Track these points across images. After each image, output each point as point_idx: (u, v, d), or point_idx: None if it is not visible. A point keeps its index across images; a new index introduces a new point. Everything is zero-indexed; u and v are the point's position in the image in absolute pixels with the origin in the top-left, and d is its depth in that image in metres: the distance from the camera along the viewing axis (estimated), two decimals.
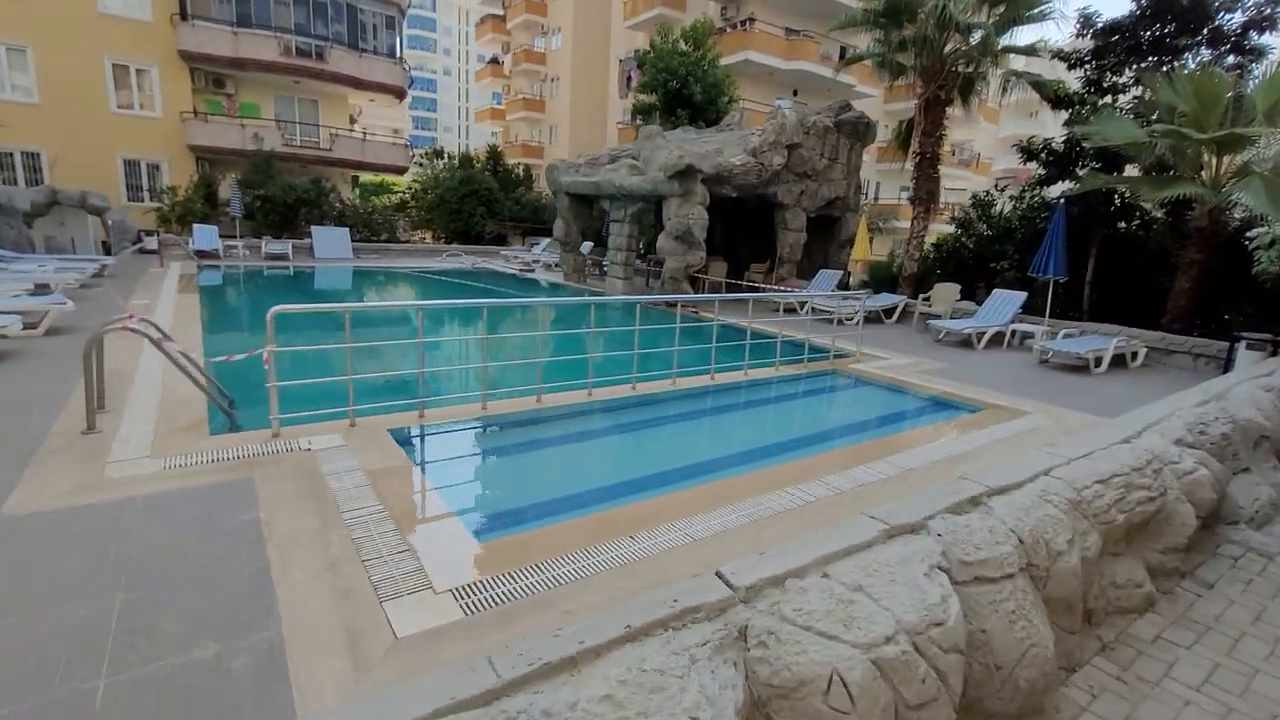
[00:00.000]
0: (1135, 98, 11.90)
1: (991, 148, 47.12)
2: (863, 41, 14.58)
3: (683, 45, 21.33)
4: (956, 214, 15.39)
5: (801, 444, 5.71)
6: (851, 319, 12.12)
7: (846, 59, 15.04)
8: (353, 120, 36.30)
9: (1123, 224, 12.77)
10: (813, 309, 12.39)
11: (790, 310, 13.35)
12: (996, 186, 15.16)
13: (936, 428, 6.06)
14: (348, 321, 4.83)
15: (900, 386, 7.44)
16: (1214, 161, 9.63)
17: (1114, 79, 12.11)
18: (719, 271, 15.30)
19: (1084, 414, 6.62)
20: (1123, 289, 12.30)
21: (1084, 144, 11.44)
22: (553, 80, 44.68)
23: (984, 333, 10.37)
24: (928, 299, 12.26)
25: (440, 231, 29.67)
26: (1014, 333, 10.71)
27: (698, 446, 5.99)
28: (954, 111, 13.76)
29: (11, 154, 21.61)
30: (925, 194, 14.02)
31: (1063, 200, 10.61)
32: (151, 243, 17.89)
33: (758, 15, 28.33)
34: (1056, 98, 12.40)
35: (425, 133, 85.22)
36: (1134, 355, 9.55)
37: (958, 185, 36.80)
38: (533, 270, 19.49)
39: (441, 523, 3.78)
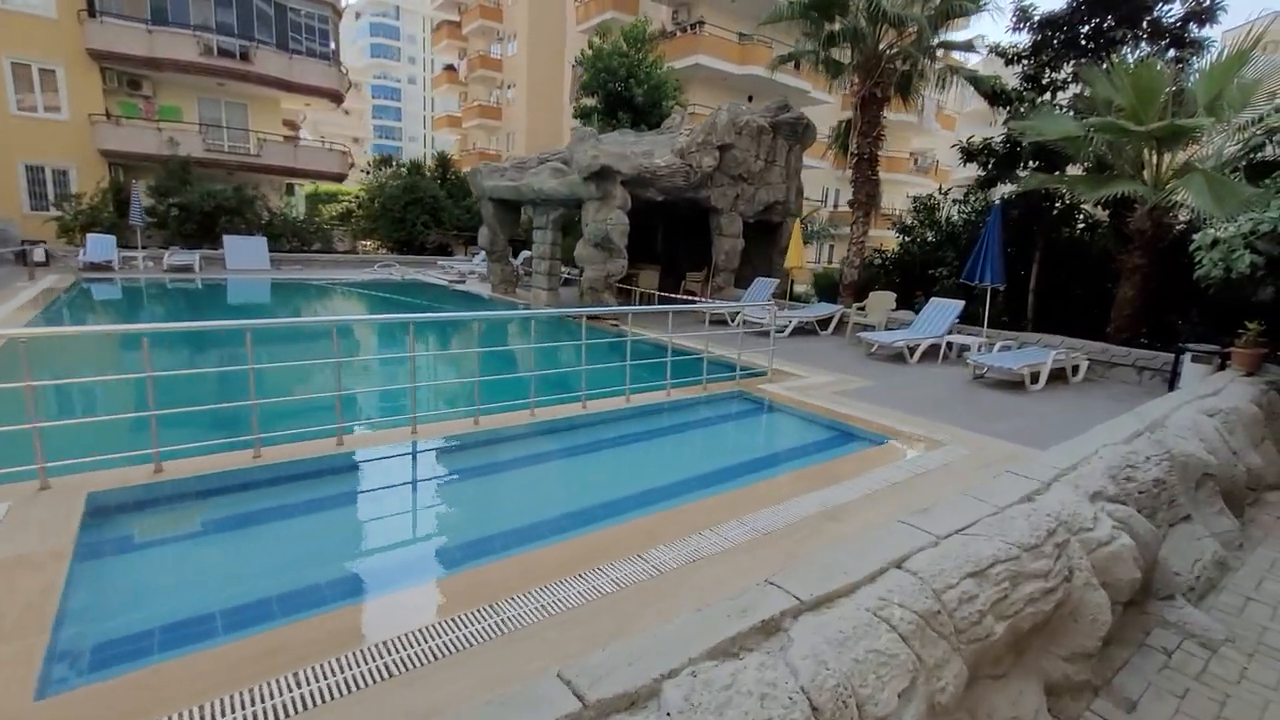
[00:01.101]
0: (1075, 95, 11.25)
1: (952, 155, 47.38)
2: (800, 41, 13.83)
3: (623, 46, 20.48)
4: (899, 220, 14.61)
5: (657, 495, 4.65)
6: (783, 331, 11.22)
7: (782, 57, 14.25)
8: (296, 126, 34.92)
9: (1066, 228, 12.10)
10: (744, 321, 11.49)
11: (721, 322, 12.42)
12: (940, 190, 14.46)
13: (827, 469, 5.06)
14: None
15: (807, 412, 6.47)
16: (1155, 159, 8.92)
17: (1053, 75, 11.46)
18: (650, 281, 14.33)
19: (1009, 443, 5.71)
20: (1068, 297, 11.59)
21: (1022, 143, 10.73)
22: (509, 87, 43.74)
23: (917, 345, 9.51)
24: (863, 309, 11.40)
25: (385, 241, 28.38)
26: (950, 345, 9.87)
27: (545, 494, 4.92)
28: (911, 119, 13.07)
29: None
30: (864, 197, 13.25)
31: (998, 203, 9.83)
32: (38, 253, 16.32)
33: (708, 19, 27.68)
34: (993, 94, 11.71)
35: (390, 141, 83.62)
36: (1075, 369, 8.76)
37: (918, 192, 36.61)
38: (464, 281, 18.33)
39: None
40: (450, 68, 50.32)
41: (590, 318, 11.92)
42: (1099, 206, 10.98)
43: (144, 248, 18.76)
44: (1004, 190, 12.14)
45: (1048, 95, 11.56)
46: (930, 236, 14.03)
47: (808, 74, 15.56)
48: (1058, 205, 11.47)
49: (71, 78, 21.78)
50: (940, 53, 12.40)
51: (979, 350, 9.17)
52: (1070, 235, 12.10)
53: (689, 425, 6.44)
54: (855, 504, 4.18)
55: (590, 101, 20.69)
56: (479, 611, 2.86)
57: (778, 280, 13.08)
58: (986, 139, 12.20)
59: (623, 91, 20.10)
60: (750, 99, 31.52)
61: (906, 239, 14.13)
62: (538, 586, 3.06)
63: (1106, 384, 8.68)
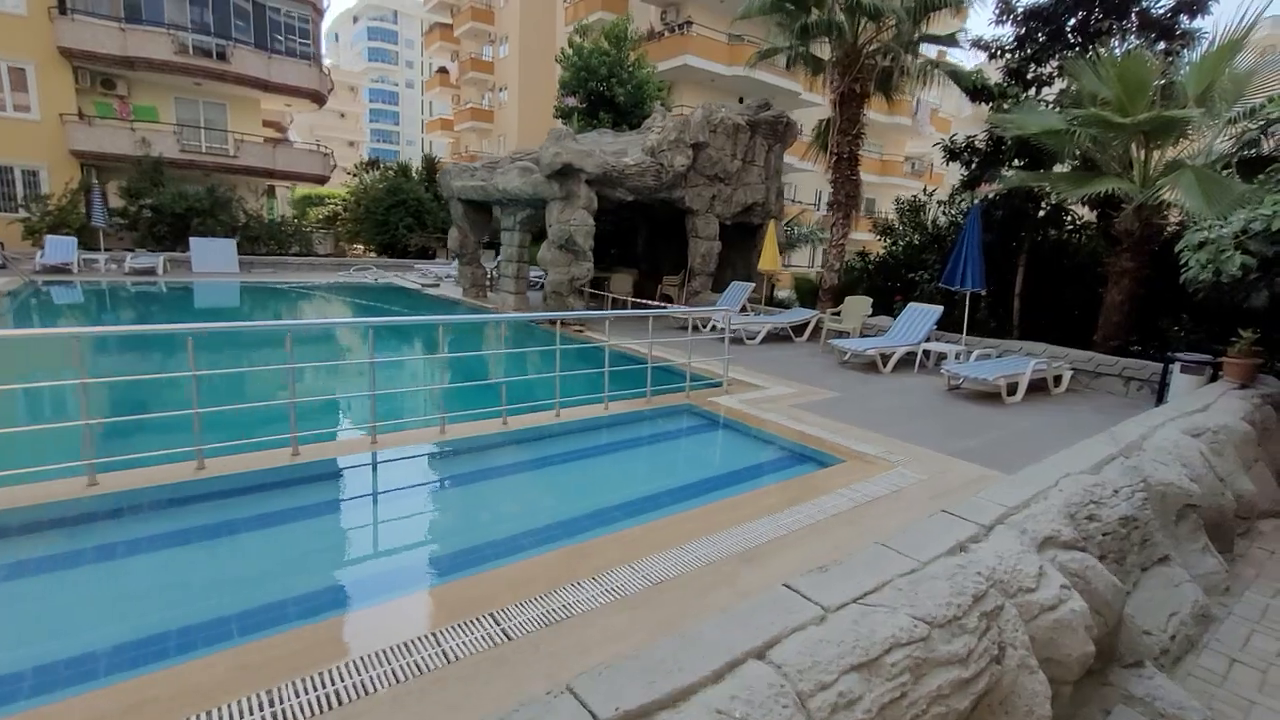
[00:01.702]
0: (1061, 91, 10.71)
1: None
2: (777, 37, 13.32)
3: (605, 44, 19.99)
4: (881, 222, 14.07)
5: (543, 535, 4.03)
6: (755, 338, 10.67)
7: (761, 52, 13.74)
8: (283, 128, 34.52)
9: (1053, 230, 11.55)
10: (714, 327, 10.94)
11: (693, 328, 11.86)
12: (925, 191, 13.93)
13: (763, 496, 4.47)
14: None
15: (756, 429, 5.90)
16: (1143, 155, 8.37)
17: (1038, 70, 10.93)
18: (623, 285, 13.78)
19: (974, 464, 5.13)
20: (1055, 302, 11.03)
21: (1005, 140, 10.19)
22: (501, 89, 43.42)
23: (892, 354, 8.94)
24: (837, 314, 10.84)
25: (369, 244, 27.95)
26: (928, 354, 9.30)
27: (463, 519, 4.35)
28: (905, 122, 12.53)
29: None
30: (844, 197, 12.71)
31: (977, 203, 9.29)
32: None
33: (696, 19, 27.22)
34: (975, 90, 11.18)
35: (389, 145, 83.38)
36: (1058, 379, 8.18)
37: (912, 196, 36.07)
38: (439, 285, 17.79)
39: None
40: (443, 70, 49.98)
41: (553, 322, 11.41)
42: (1086, 206, 10.43)
43: (109, 250, 18.28)
44: (990, 190, 11.59)
45: (1032, 91, 11.01)
46: (915, 239, 13.48)
47: (800, 75, 15.04)
48: (1043, 206, 10.92)
49: (42, 76, 21.30)
50: (922, 48, 11.87)
51: (955, 359, 8.61)
52: (1057, 237, 11.55)
53: (620, 445, 5.86)
54: (781, 542, 3.61)
55: (571, 101, 20.19)
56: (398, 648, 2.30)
57: (753, 285, 12.52)
58: (970, 136, 11.67)
59: (604, 91, 19.61)
60: (741, 100, 31.08)
61: (888, 242, 13.57)
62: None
63: (1091, 396, 8.11)
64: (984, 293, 10.03)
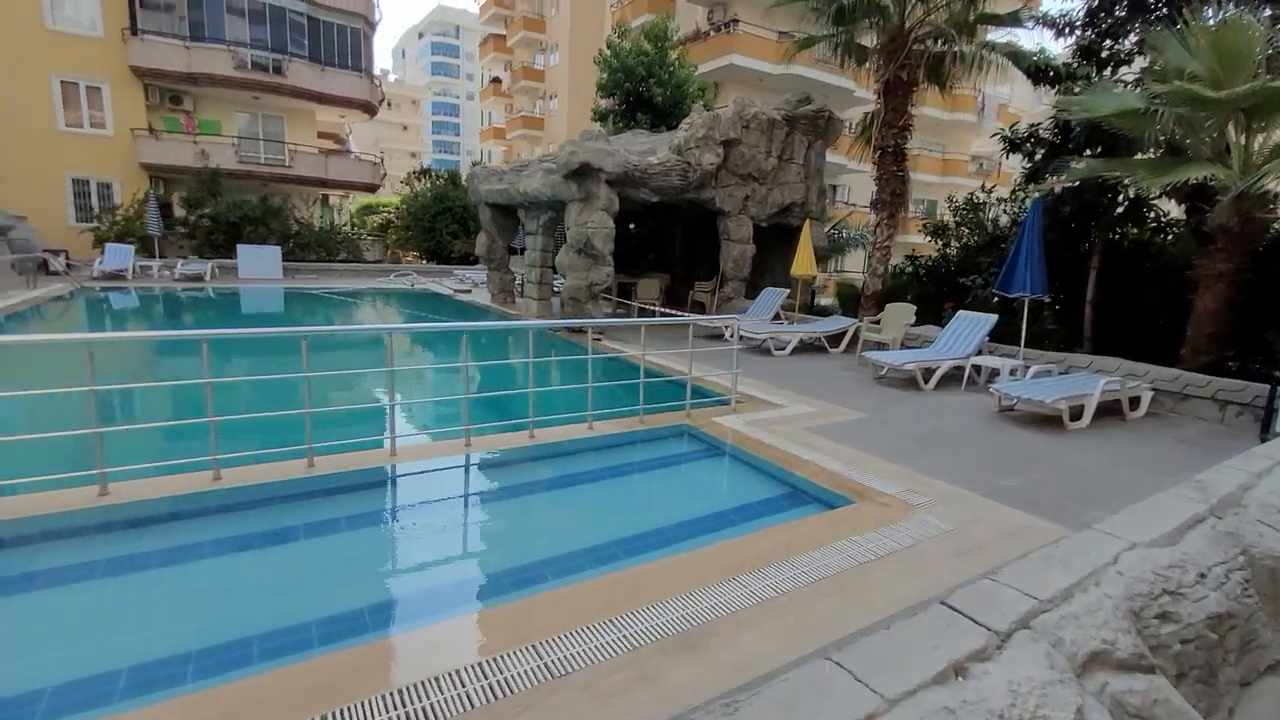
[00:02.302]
0: (1143, 69, 9.36)
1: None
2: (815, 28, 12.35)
3: (645, 45, 19.46)
4: (933, 223, 12.85)
5: (462, 594, 3.36)
6: (784, 349, 9.79)
7: (799, 42, 12.84)
8: (341, 140, 35.69)
9: (1134, 228, 10.14)
10: (740, 336, 10.12)
11: (717, 337, 11.08)
12: (984, 188, 12.65)
13: (744, 547, 3.64)
14: None
15: (759, 458, 5.08)
16: (1243, 138, 7.06)
17: (1114, 46, 9.59)
18: (649, 291, 13.10)
19: (1017, 510, 4.18)
20: (1135, 311, 9.65)
21: (1073, 126, 8.95)
22: (551, 97, 43.76)
23: (935, 368, 7.90)
24: (876, 323, 9.80)
25: (417, 251, 28.44)
26: (979, 369, 8.19)
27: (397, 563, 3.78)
28: (970, 119, 11.34)
29: None
30: (889, 195, 11.64)
31: (1037, 197, 8.13)
32: (57, 262, 16.64)
33: (744, 17, 26.34)
34: (1037, 71, 9.93)
35: (450, 156, 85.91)
36: (1135, 402, 6.97)
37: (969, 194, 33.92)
38: (471, 291, 17.63)
39: None
40: (496, 80, 50.81)
41: (571, 330, 10.85)
42: (1172, 200, 9.06)
43: (165, 257, 19.04)
44: (1056, 184, 10.29)
45: (1107, 72, 9.69)
46: (971, 240, 12.23)
47: (848, 69, 13.94)
48: (1120, 200, 9.56)
49: (116, 94, 22.57)
50: (980, 29, 10.70)
51: (1010, 376, 7.50)
52: (1138, 236, 10.14)
53: (597, 475, 5.15)
54: (739, 620, 2.83)
55: (609, 103, 19.74)
56: None
57: (787, 291, 11.60)
58: (1033, 125, 10.40)
59: (642, 92, 19.06)
60: (829, 109, 29.92)
61: (940, 243, 12.37)
62: None
63: (1177, 423, 6.85)
64: (1047, 299, 8.83)
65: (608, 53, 19.15)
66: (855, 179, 32.34)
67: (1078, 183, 9.53)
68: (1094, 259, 9.71)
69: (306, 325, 13.37)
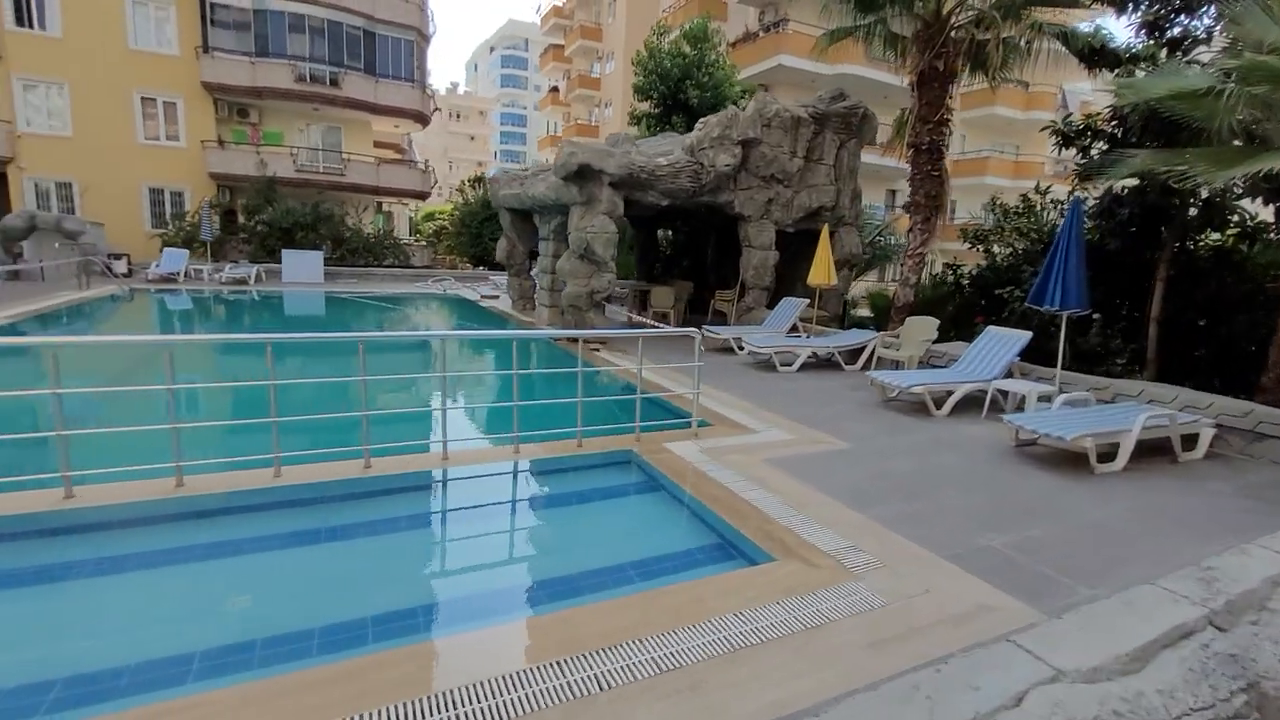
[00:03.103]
0: (1223, 49, 7.97)
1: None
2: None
3: (684, 46, 18.90)
4: (973, 229, 11.63)
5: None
6: (791, 365, 8.97)
7: (830, 34, 11.93)
8: (402, 150, 36.95)
9: (1215, 233, 8.72)
10: (749, 350, 9.39)
11: (728, 350, 10.35)
12: (1038, 189, 11.33)
13: (613, 611, 3.02)
14: None
15: (690, 496, 4.38)
16: None
17: (1186, 22, 8.24)
18: (665, 299, 12.46)
19: (981, 580, 3.32)
20: (1212, 330, 8.26)
21: (1127, 114, 7.70)
22: (607, 105, 43.90)
23: (949, 392, 6.91)
24: (896, 338, 8.80)
25: (465, 256, 28.97)
26: (1005, 394, 7.11)
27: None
28: (1045, 117, 10.02)
29: (48, 185, 22.79)
30: (924, 198, 10.56)
31: (1076, 197, 7.00)
32: (120, 265, 17.73)
33: (794, 16, 25.31)
34: (1091, 53, 8.67)
35: (514, 165, 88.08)
36: (1191, 440, 5.79)
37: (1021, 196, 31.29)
38: (498, 297, 17.52)
39: None
40: (554, 89, 51.51)
41: (570, 340, 10.39)
42: (1260, 201, 7.67)
43: (217, 261, 20.00)
44: (1112, 182, 9.00)
45: (1179, 54, 8.33)
46: (1019, 246, 10.96)
47: (896, 66, 12.73)
48: (1193, 201, 8.20)
49: (189, 108, 24.05)
50: (1027, 12, 9.51)
51: (1037, 404, 6.43)
52: (1220, 244, 8.71)
53: (495, 505, 4.57)
54: None
55: (645, 106, 19.30)
56: None
57: (805, 301, 10.70)
58: (1090, 116, 9.12)
59: (678, 94, 18.51)
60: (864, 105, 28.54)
61: (982, 250, 11.14)
62: None
63: (1244, 468, 5.63)
64: (1095, 316, 7.65)
65: (644, 54, 18.72)
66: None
67: (1142, 181, 8.26)
68: (1159, 269, 8.37)
69: (314, 326, 13.56)
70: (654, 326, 9.66)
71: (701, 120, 11.20)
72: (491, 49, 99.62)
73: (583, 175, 9.85)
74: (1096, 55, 8.70)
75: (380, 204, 30.39)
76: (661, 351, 9.56)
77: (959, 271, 11.64)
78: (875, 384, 7.26)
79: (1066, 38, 8.92)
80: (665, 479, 4.60)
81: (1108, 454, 5.38)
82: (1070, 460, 5.45)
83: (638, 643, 2.66)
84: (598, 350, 9.88)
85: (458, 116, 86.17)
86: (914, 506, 4.34)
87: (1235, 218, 8.50)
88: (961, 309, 11.18)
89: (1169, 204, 8.18)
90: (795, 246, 12.77)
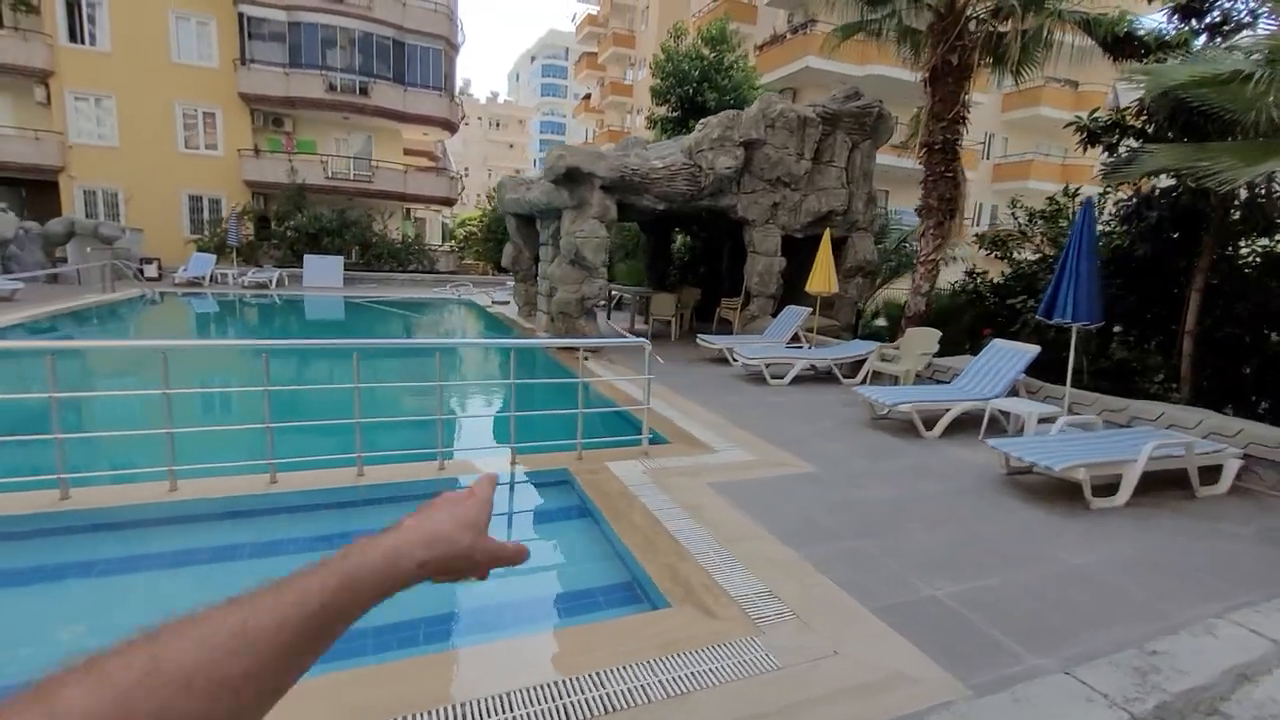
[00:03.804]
0: (1272, 34, 7.13)
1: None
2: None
3: (703, 49, 18.53)
4: (991, 234, 10.85)
5: None
6: (783, 378, 8.45)
7: (841, 29, 11.37)
8: (435, 157, 37.60)
9: (1263, 240, 7.83)
10: (744, 363, 8.92)
11: (722, 361, 9.88)
12: (1067, 191, 10.50)
13: (478, 659, 2.64)
14: None
15: (607, 525, 3.95)
16: None
17: (1228, 5, 7.40)
18: (665, 307, 12.05)
19: (911, 645, 2.82)
20: (1255, 348, 7.38)
21: (1148, 107, 6.94)
22: (638, 111, 43.79)
23: (942, 412, 6.30)
24: (896, 349, 8.17)
25: (489, 262, 29.14)
26: (1007, 415, 6.45)
27: None
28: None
29: (95, 192, 23.88)
30: (937, 200, 9.88)
31: (1087, 199, 6.31)
32: (151, 269, 18.34)
33: (823, 17, 24.57)
34: (1116, 41, 7.90)
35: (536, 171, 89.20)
36: (1213, 472, 5.07)
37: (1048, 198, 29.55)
38: (508, 303, 17.41)
39: None
40: (587, 96, 51.75)
41: (560, 349, 10.08)
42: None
43: (244, 266, 20.53)
44: (1145, 184, 8.21)
45: (1218, 40, 7.51)
46: (1049, 252, 10.15)
47: (911, 61, 12.10)
48: (1235, 203, 7.35)
49: (227, 119, 24.88)
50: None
51: (1038, 426, 5.78)
52: (1268, 250, 7.82)
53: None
54: None
55: (662, 110, 18.98)
56: None
57: (808, 310, 10.13)
58: (1119, 110, 8.34)
59: (696, 96, 18.12)
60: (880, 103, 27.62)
61: (999, 256, 10.38)
62: None
63: (1272, 506, 4.88)
64: (1115, 329, 6.91)
65: (661, 58, 18.42)
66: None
67: (1177, 181, 7.47)
68: (1196, 279, 7.54)
69: (321, 330, 13.64)
70: (623, 335, 9.27)
71: (702, 121, 10.80)
72: (533, 59, 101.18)
73: (572, 178, 9.56)
74: (1121, 44, 7.94)
75: (408, 210, 30.87)
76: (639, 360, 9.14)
77: (979, 279, 10.87)
78: (864, 401, 6.70)
79: (1089, 25, 8.17)
80: (590, 503, 4.20)
81: (1110, 486, 4.73)
82: (1067, 493, 4.82)
83: (431, 716, 2.28)
84: (587, 359, 9.54)
85: (497, 125, 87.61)
86: (863, 544, 3.83)
87: None
88: (980, 320, 10.43)
89: (1204, 206, 7.36)
90: (805, 253, 12.15)
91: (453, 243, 35.14)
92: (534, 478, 4.82)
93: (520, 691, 2.38)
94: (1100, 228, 9.52)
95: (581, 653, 2.66)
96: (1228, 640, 2.07)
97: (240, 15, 24.08)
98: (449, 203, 30.10)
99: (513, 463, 4.76)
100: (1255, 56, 5.75)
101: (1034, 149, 31.56)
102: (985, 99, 29.36)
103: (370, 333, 13.80)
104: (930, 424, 6.28)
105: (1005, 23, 9.12)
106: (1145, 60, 7.70)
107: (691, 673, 2.53)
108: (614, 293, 14.54)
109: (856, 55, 24.82)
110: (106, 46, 23.13)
